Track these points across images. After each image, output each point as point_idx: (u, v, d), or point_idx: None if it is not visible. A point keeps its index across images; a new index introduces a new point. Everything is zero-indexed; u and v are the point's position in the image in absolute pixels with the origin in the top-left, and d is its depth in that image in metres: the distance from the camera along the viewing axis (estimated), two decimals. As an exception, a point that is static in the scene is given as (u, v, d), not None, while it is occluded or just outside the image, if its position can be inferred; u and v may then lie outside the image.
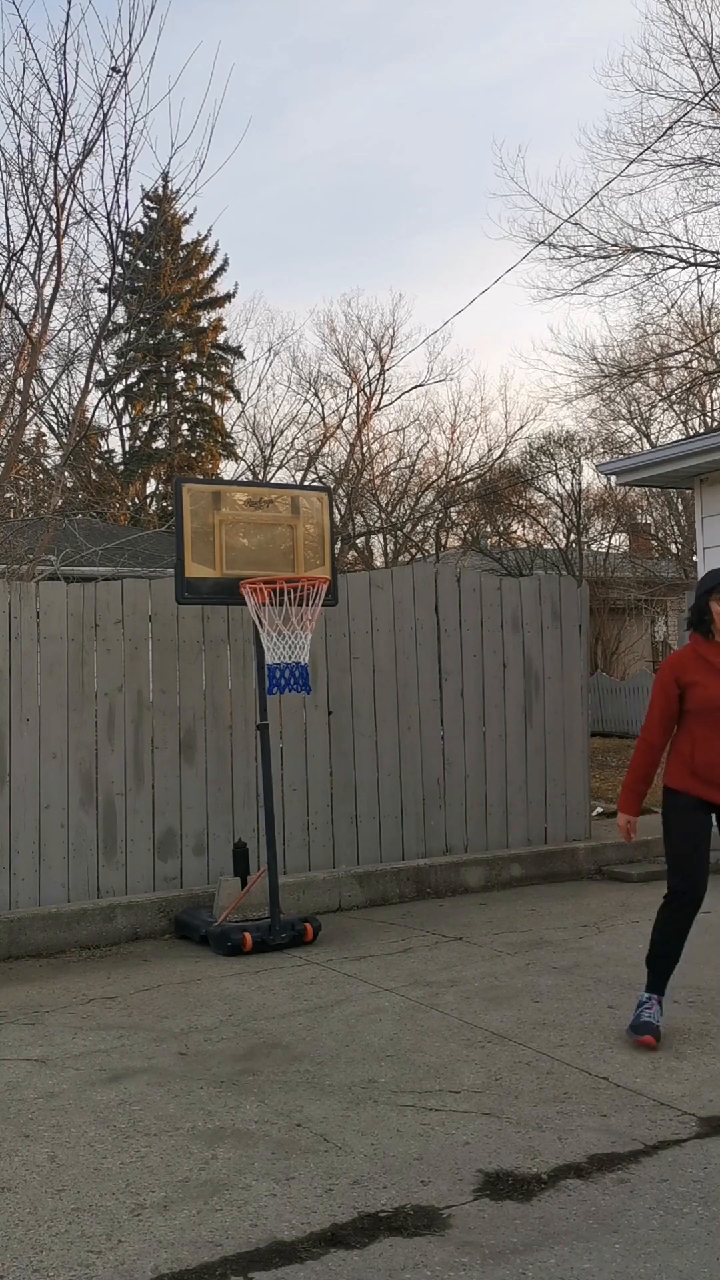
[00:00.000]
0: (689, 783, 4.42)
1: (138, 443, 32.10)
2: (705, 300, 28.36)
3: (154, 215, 28.44)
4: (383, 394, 32.67)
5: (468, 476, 29.73)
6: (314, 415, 33.14)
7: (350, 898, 7.12)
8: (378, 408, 32.45)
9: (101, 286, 14.66)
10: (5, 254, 9.47)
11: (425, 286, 51.08)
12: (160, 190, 22.40)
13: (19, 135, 15.08)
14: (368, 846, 7.53)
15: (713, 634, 4.42)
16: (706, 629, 4.43)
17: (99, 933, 6.39)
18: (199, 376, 32.38)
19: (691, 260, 20.49)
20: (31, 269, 9.64)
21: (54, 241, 9.54)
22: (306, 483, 29.98)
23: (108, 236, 10.19)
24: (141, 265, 25.84)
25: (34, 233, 9.47)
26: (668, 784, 4.51)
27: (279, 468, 31.94)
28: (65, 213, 9.48)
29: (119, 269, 12.22)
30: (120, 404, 31.85)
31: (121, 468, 31.55)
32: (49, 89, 9.84)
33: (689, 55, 19.04)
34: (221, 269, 32.33)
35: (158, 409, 32.53)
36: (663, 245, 20.51)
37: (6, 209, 12.72)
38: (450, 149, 50.54)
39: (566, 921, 6.52)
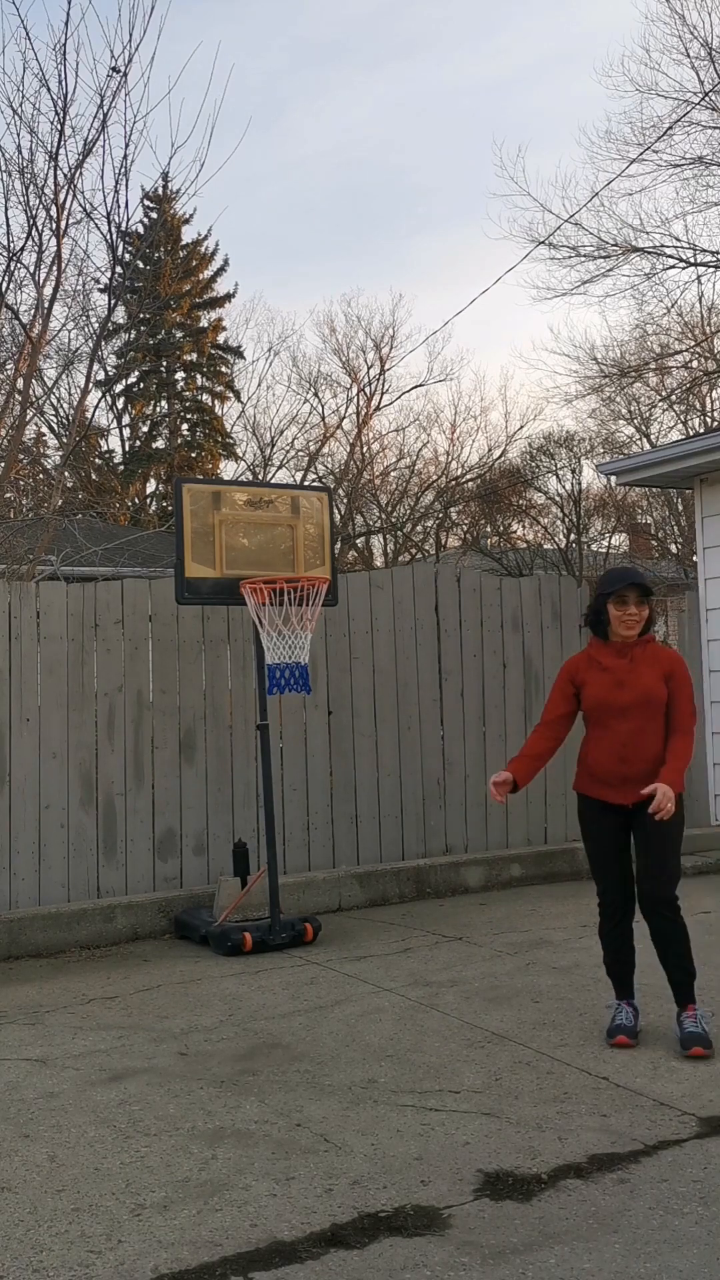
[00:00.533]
0: (589, 785, 4.47)
1: (138, 443, 32.08)
2: (705, 300, 28.36)
3: (154, 215, 28.40)
4: (383, 394, 32.66)
5: (468, 476, 29.72)
6: (314, 415, 33.12)
7: (350, 898, 7.12)
8: (378, 408, 32.46)
9: (101, 286, 14.65)
10: (5, 254, 9.49)
11: (425, 286, 51.07)
12: (160, 190, 22.37)
13: (19, 135, 15.10)
14: (368, 846, 7.53)
15: (608, 635, 4.46)
16: (603, 630, 4.47)
17: (99, 933, 6.39)
18: (199, 376, 32.36)
19: (691, 260, 20.53)
20: (31, 269, 9.66)
21: (54, 241, 9.56)
22: (306, 483, 29.98)
23: (108, 236, 10.22)
24: (141, 265, 25.81)
25: (34, 233, 9.50)
26: (575, 788, 4.57)
27: (279, 468, 31.95)
28: (65, 213, 9.51)
29: (119, 269, 12.24)
30: (120, 404, 31.84)
31: (121, 468, 31.53)
32: (49, 89, 9.86)
33: (689, 55, 19.11)
34: (221, 269, 32.32)
35: (158, 409, 32.52)
36: (663, 245, 20.55)
37: (6, 209, 12.70)
38: (450, 149, 50.53)
39: (566, 921, 6.52)
